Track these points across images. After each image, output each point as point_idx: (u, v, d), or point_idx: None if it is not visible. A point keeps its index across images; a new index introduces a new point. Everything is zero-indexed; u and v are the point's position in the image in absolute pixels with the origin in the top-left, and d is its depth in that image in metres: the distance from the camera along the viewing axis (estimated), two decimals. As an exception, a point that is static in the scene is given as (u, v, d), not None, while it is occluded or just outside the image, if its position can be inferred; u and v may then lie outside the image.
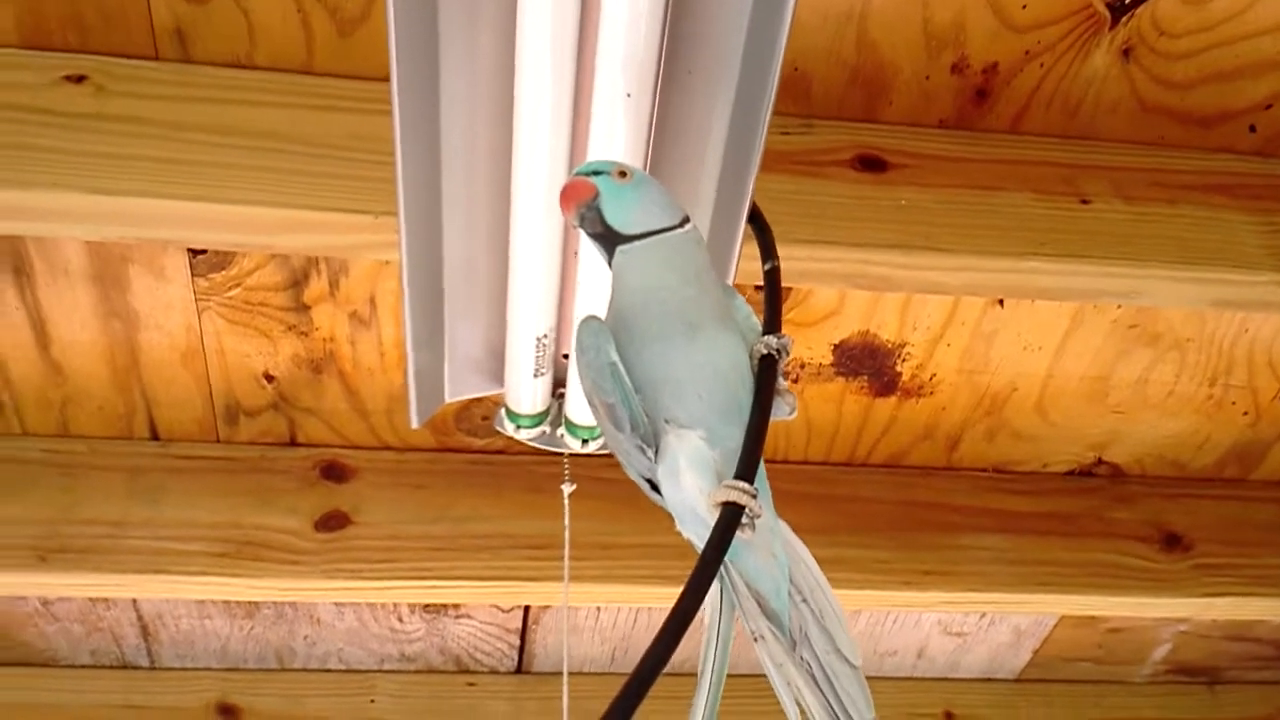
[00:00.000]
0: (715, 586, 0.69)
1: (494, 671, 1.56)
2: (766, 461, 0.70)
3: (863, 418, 1.26)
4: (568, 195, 0.69)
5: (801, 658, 0.68)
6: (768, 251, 0.74)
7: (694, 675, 0.69)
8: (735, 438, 0.64)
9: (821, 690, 0.68)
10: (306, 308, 1.11)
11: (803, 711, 0.68)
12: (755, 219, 0.76)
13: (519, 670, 1.56)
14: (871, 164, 0.98)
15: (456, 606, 1.45)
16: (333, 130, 0.91)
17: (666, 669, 0.53)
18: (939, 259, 0.93)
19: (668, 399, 0.67)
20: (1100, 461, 1.33)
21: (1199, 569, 1.29)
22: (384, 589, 1.18)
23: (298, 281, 1.09)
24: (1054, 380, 1.23)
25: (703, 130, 0.73)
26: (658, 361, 0.67)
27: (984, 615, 1.51)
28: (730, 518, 0.59)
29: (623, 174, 0.69)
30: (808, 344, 1.18)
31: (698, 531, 0.68)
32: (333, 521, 1.19)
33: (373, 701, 1.52)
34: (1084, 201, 0.98)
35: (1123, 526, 1.31)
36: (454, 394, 0.87)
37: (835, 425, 1.27)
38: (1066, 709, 1.61)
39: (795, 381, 1.22)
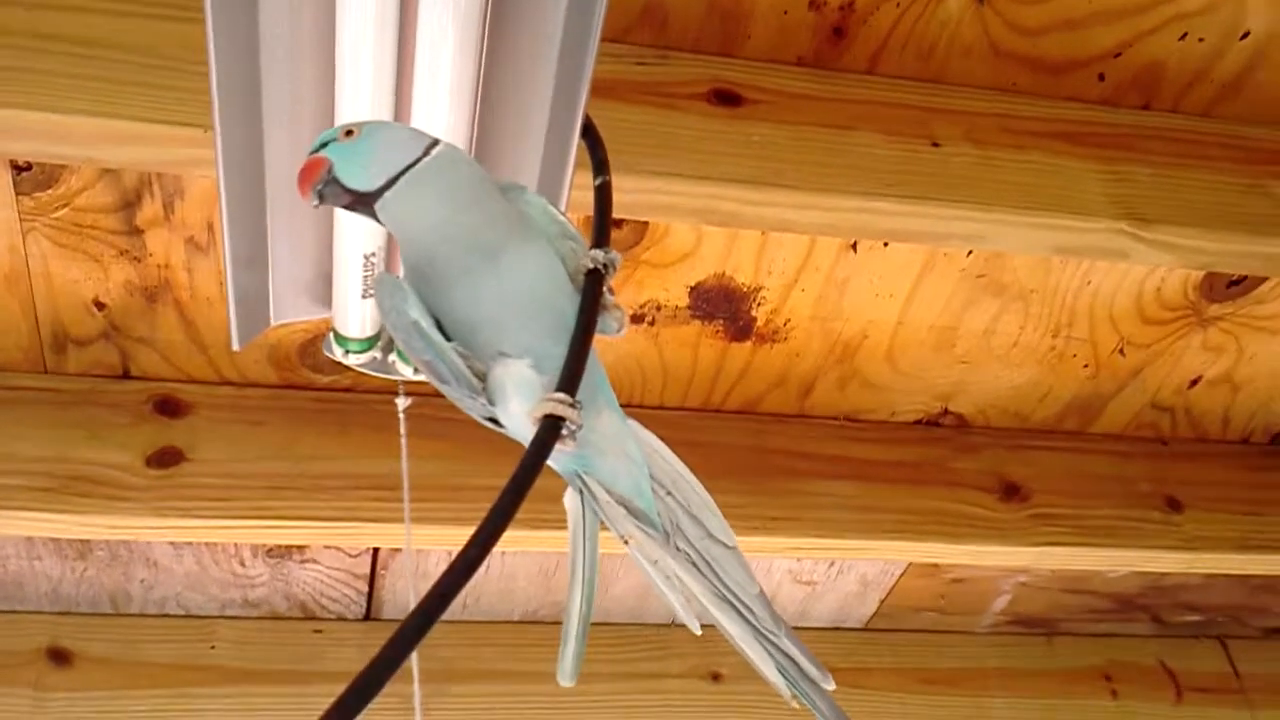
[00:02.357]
0: (575, 498, 0.68)
1: (341, 618, 1.53)
2: (624, 406, 0.69)
3: (718, 363, 1.26)
4: (302, 180, 0.66)
5: (677, 548, 0.68)
6: (599, 166, 0.72)
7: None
8: (564, 357, 0.63)
9: (704, 574, 0.67)
10: (140, 231, 1.06)
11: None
12: (588, 134, 0.74)
13: (367, 617, 1.53)
14: (726, 98, 0.97)
15: (301, 550, 1.41)
16: (167, 40, 0.86)
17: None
18: (789, 195, 0.93)
19: (491, 337, 0.65)
20: (946, 411, 1.35)
21: (1036, 519, 1.32)
22: (219, 528, 1.14)
23: (130, 203, 1.04)
24: (904, 328, 1.24)
25: (536, 39, 0.71)
26: (468, 303, 0.65)
27: (832, 564, 1.53)
28: (548, 430, 0.58)
29: (349, 133, 0.66)
30: (664, 286, 1.18)
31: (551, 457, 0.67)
32: (166, 457, 1.14)
33: (213, 648, 1.47)
34: (934, 144, 0.98)
35: (965, 476, 1.33)
36: (280, 317, 0.84)
37: (691, 370, 1.27)
38: (911, 657, 1.65)
39: (651, 324, 1.21)
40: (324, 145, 0.67)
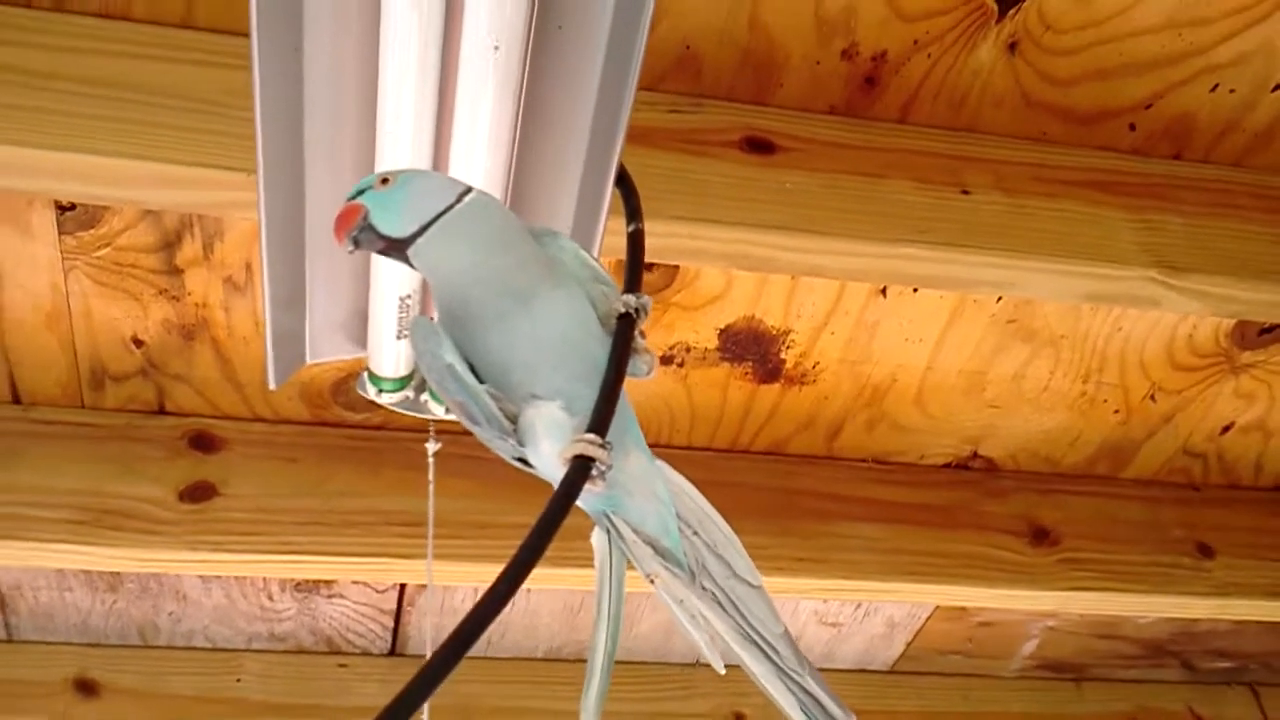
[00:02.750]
0: (603, 537, 0.68)
1: (366, 653, 1.53)
2: (652, 446, 0.69)
3: (746, 405, 1.27)
4: (338, 226, 0.68)
5: (703, 588, 0.68)
6: (633, 213, 0.73)
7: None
8: (594, 399, 0.63)
9: (729, 614, 0.67)
10: (179, 271, 1.08)
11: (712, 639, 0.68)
12: (622, 181, 0.75)
13: (392, 653, 1.53)
14: (759, 146, 0.97)
15: (329, 585, 1.42)
16: (209, 85, 0.88)
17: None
18: (821, 242, 0.94)
19: (523, 379, 0.66)
20: (975, 455, 1.35)
21: (1065, 563, 1.31)
22: (249, 562, 1.15)
23: (170, 243, 1.05)
24: (933, 373, 1.24)
25: (572, 88, 0.72)
26: (501, 346, 0.66)
27: (859, 606, 1.53)
28: (578, 470, 0.59)
29: (385, 180, 0.67)
30: (694, 328, 1.18)
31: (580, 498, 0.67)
32: (199, 492, 1.15)
33: (239, 681, 1.48)
34: (965, 192, 0.99)
35: (994, 519, 1.33)
36: (315, 356, 0.85)
37: (720, 411, 1.27)
38: (937, 701, 1.64)
39: (680, 366, 1.22)
40: (360, 193, 0.68)
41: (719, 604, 0.68)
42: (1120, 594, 1.32)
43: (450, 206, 0.67)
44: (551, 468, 0.65)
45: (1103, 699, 1.69)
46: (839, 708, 0.67)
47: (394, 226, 0.67)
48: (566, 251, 0.70)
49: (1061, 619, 1.59)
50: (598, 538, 0.69)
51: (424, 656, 1.53)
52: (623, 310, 0.66)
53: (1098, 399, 1.29)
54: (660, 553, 0.67)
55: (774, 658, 0.67)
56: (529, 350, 0.66)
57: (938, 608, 1.53)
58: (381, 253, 0.69)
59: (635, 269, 0.70)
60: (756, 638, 0.67)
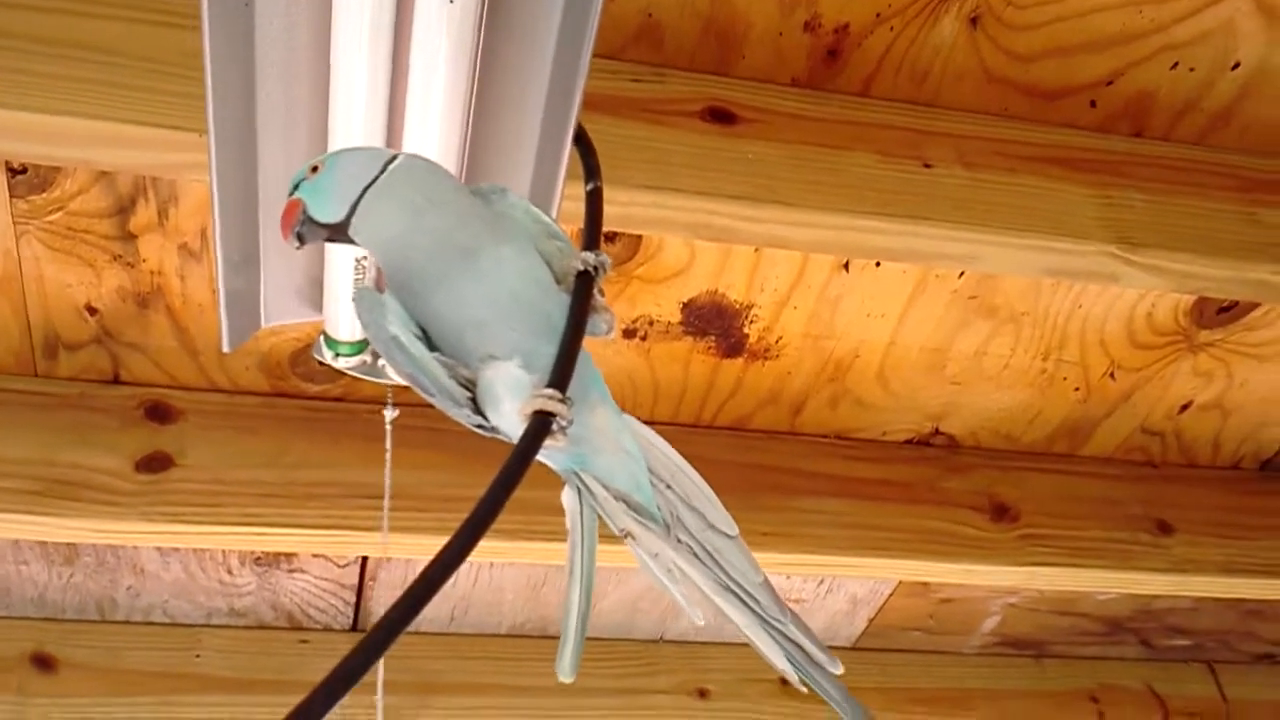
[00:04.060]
0: (573, 496, 0.68)
1: (328, 629, 1.52)
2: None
3: (709, 379, 1.26)
4: (283, 226, 0.69)
5: (679, 540, 0.68)
6: (591, 172, 0.73)
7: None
8: (554, 356, 0.63)
9: (706, 565, 0.67)
10: (133, 237, 1.06)
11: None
12: (580, 140, 0.75)
13: (354, 628, 1.53)
14: (721, 116, 0.97)
15: (290, 560, 1.41)
16: (165, 46, 0.87)
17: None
18: (783, 212, 0.93)
19: (478, 340, 0.65)
20: (937, 432, 1.36)
21: (1025, 539, 1.32)
22: (207, 534, 1.14)
23: (124, 209, 1.04)
24: (895, 349, 1.24)
25: (529, 44, 0.71)
26: (451, 307, 0.65)
27: (821, 582, 1.53)
28: (538, 426, 0.58)
29: (315, 169, 0.68)
30: (656, 301, 1.18)
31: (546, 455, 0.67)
32: (155, 463, 1.14)
33: (198, 657, 1.47)
34: (926, 165, 0.99)
35: (955, 496, 1.34)
36: (270, 319, 0.84)
37: (682, 386, 1.27)
38: (899, 677, 1.65)
39: (643, 339, 1.21)
40: (297, 186, 0.69)
41: (696, 556, 0.68)
42: (1080, 569, 1.32)
43: (376, 177, 0.67)
44: (513, 427, 0.64)
45: (1063, 675, 1.71)
46: (823, 653, 0.67)
47: (329, 213, 0.67)
48: (516, 208, 0.70)
49: (1022, 596, 1.60)
50: (568, 496, 0.69)
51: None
52: (581, 268, 0.66)
53: (1057, 376, 1.30)
54: (633, 508, 0.67)
55: (754, 607, 0.67)
56: (480, 308, 0.65)
57: (900, 584, 1.54)
58: (328, 240, 0.69)
59: (594, 227, 0.69)
60: (735, 588, 0.67)
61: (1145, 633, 1.71)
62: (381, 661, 0.90)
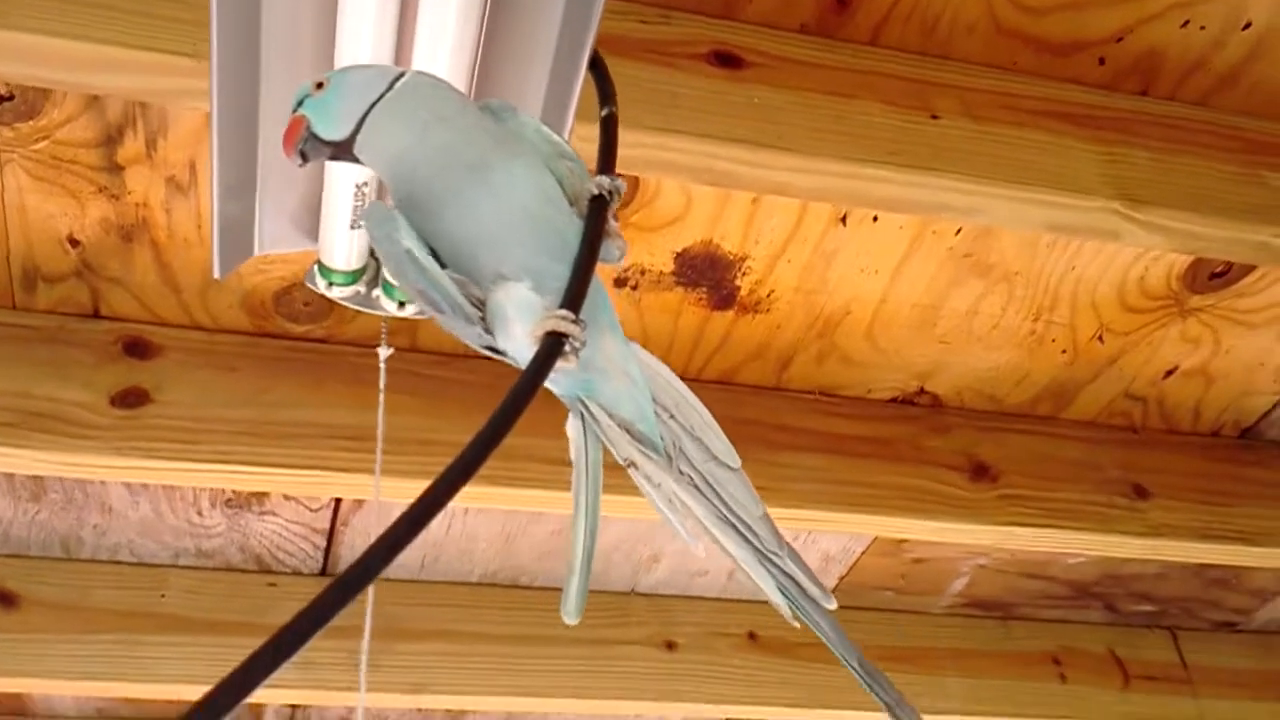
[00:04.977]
0: (578, 425, 0.67)
1: (297, 573, 1.51)
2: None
3: (699, 331, 1.25)
4: (286, 143, 0.67)
5: (680, 471, 0.67)
6: (606, 97, 0.71)
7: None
8: (565, 278, 0.61)
9: (707, 497, 0.67)
10: (120, 168, 1.03)
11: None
12: (595, 65, 0.73)
13: (323, 573, 1.51)
14: (727, 60, 0.95)
15: (260, 501, 1.39)
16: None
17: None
18: (787, 158, 0.92)
19: (488, 258, 0.64)
20: (922, 391, 1.35)
21: (1004, 499, 1.33)
22: (180, 470, 1.11)
23: (111, 139, 1.01)
24: (887, 305, 1.24)
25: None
26: (461, 224, 0.64)
27: (795, 539, 1.53)
28: (550, 347, 0.57)
29: (320, 85, 0.67)
30: (650, 250, 1.16)
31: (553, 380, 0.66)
32: (131, 398, 1.11)
33: (163, 596, 1.45)
34: (933, 117, 0.97)
35: (936, 454, 1.34)
36: (265, 247, 0.82)
37: (671, 338, 1.26)
38: (867, 634, 1.65)
39: (634, 289, 1.20)
40: (300, 103, 0.67)
41: (696, 487, 0.67)
42: (1055, 530, 1.33)
43: (382, 94, 0.66)
44: (523, 350, 0.63)
45: (1028, 637, 1.72)
46: (818, 588, 0.67)
47: (334, 130, 0.66)
48: (526, 126, 0.69)
49: (992, 558, 1.61)
50: (573, 426, 0.68)
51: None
52: (596, 192, 0.65)
53: (1046, 338, 1.30)
54: (637, 438, 0.66)
55: (752, 540, 0.66)
56: (491, 224, 0.64)
57: (875, 540, 1.54)
58: (332, 158, 0.68)
59: (609, 151, 0.68)
60: (735, 520, 0.67)
61: (1110, 598, 1.73)
62: (370, 606, 0.89)
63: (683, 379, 1.30)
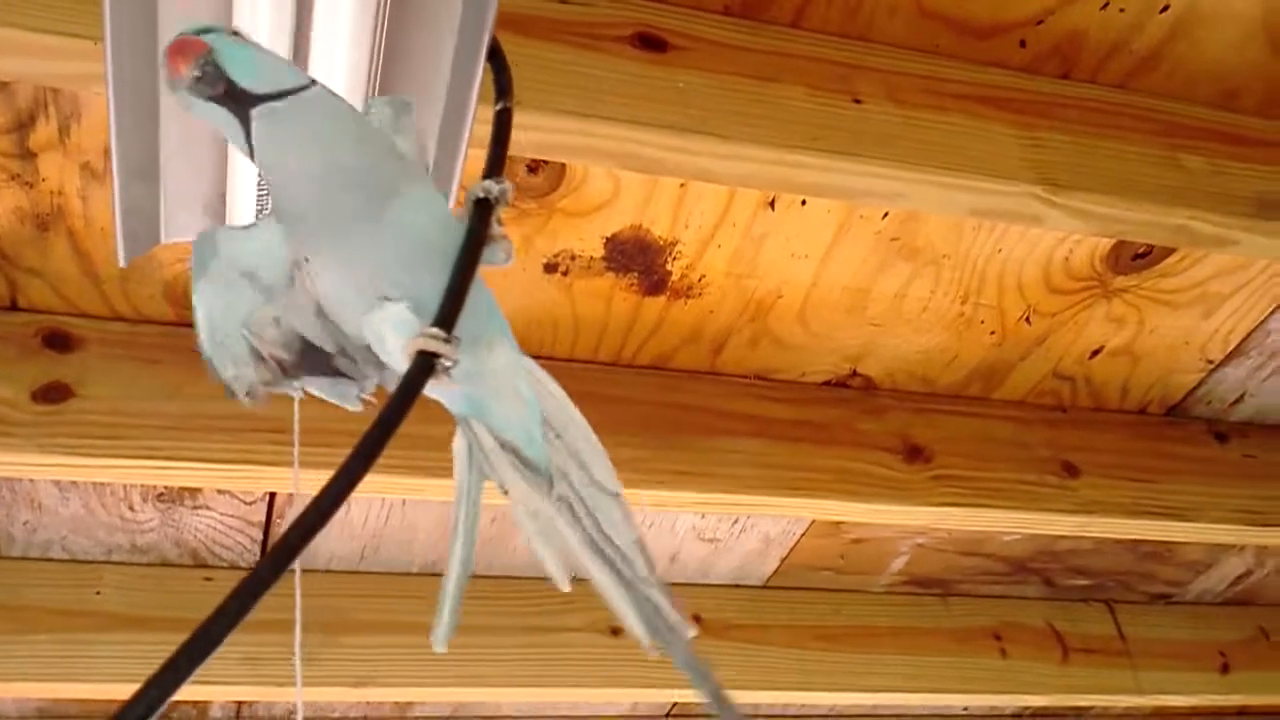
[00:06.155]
0: (464, 448, 0.66)
1: (234, 567, 1.49)
2: (535, 357, 0.67)
3: (631, 317, 1.25)
4: (177, 53, 0.60)
5: (559, 497, 0.66)
6: (502, 91, 0.69)
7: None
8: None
9: (582, 523, 0.65)
10: (32, 155, 1.01)
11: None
12: (495, 56, 0.71)
13: (261, 565, 1.49)
14: (652, 43, 0.95)
15: (194, 496, 1.37)
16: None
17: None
18: (712, 144, 0.92)
19: (373, 282, 0.62)
20: (855, 373, 1.36)
21: (937, 480, 1.34)
22: (107, 467, 1.09)
23: (23, 124, 0.98)
24: (817, 289, 1.24)
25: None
26: (351, 249, 0.62)
27: (735, 522, 1.54)
28: (420, 367, 0.55)
29: (235, 34, 0.62)
30: (579, 235, 1.16)
31: (444, 397, 0.65)
32: (53, 393, 1.09)
33: (98, 594, 1.43)
34: (856, 101, 0.98)
35: (870, 437, 1.34)
36: (171, 235, 0.80)
37: (603, 323, 1.25)
38: (808, 615, 1.67)
39: (565, 275, 1.19)
40: (205, 31, 0.61)
41: (573, 512, 0.66)
42: (989, 509, 1.34)
43: (305, 87, 0.62)
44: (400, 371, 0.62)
45: (967, 614, 1.74)
46: (679, 617, 0.65)
47: (249, 77, 0.60)
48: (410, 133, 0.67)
49: (930, 536, 1.63)
50: (458, 444, 0.66)
51: (292, 570, 1.50)
52: (480, 195, 0.63)
53: (975, 320, 1.31)
54: (522, 461, 0.65)
55: (621, 567, 0.65)
56: (386, 251, 0.62)
57: (813, 523, 1.55)
58: (214, 100, 0.60)
59: (498, 152, 0.66)
60: (608, 547, 0.65)
61: (1047, 573, 1.75)
62: (299, 598, 0.88)
63: (616, 364, 1.32)
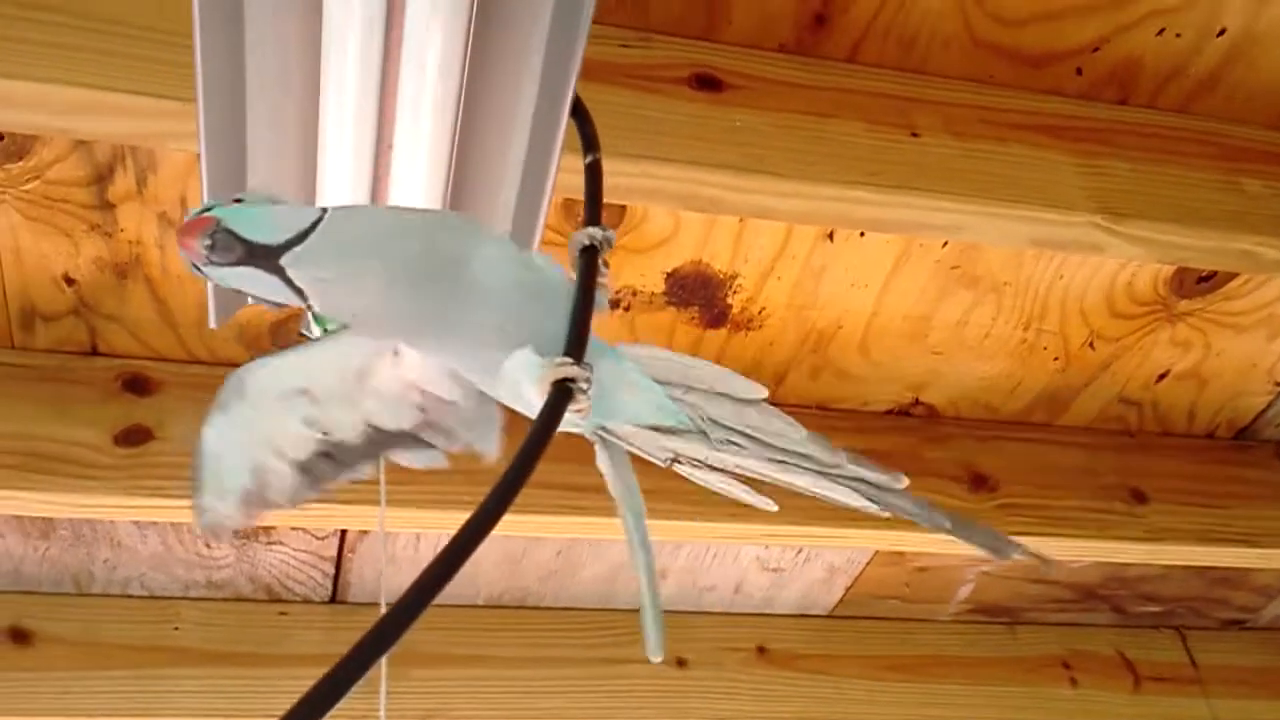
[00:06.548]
0: (605, 455, 0.68)
1: (307, 601, 1.52)
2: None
3: (692, 350, 1.26)
4: (185, 231, 0.62)
5: (720, 441, 0.68)
6: (589, 143, 0.72)
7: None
8: (557, 332, 0.62)
9: (752, 449, 0.68)
10: (111, 206, 1.05)
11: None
12: (577, 111, 0.74)
13: (333, 600, 1.52)
14: (708, 83, 0.96)
15: (268, 532, 1.40)
16: (144, 10, 0.85)
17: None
18: (770, 183, 0.93)
19: (485, 342, 0.64)
20: (917, 402, 1.36)
21: (1003, 509, 1.33)
22: (187, 508, 1.12)
23: (102, 177, 1.02)
24: (878, 319, 1.25)
25: (524, 12, 0.70)
26: (455, 325, 0.64)
27: (799, 552, 1.54)
28: (559, 394, 0.58)
29: (238, 200, 0.64)
30: (640, 271, 1.17)
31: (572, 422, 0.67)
32: (134, 435, 1.13)
33: (176, 629, 1.46)
34: (914, 134, 0.98)
35: (934, 466, 1.34)
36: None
37: (664, 357, 1.27)
38: (876, 645, 1.66)
39: (626, 310, 1.21)
40: (207, 209, 0.63)
41: (738, 445, 0.68)
42: (1056, 539, 1.33)
43: (319, 220, 0.63)
44: (535, 405, 0.64)
45: (1035, 642, 1.73)
46: (886, 476, 0.69)
47: (260, 233, 0.62)
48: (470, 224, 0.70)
49: (996, 564, 1.62)
50: (601, 458, 0.69)
51: (366, 604, 1.52)
52: (587, 243, 0.66)
53: (1038, 346, 1.31)
54: (669, 432, 0.67)
55: (810, 466, 0.68)
56: (486, 313, 0.64)
57: (877, 553, 1.55)
58: (238, 262, 0.62)
59: (595, 200, 0.69)
60: (787, 456, 0.68)
61: (1116, 599, 1.73)
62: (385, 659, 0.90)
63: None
